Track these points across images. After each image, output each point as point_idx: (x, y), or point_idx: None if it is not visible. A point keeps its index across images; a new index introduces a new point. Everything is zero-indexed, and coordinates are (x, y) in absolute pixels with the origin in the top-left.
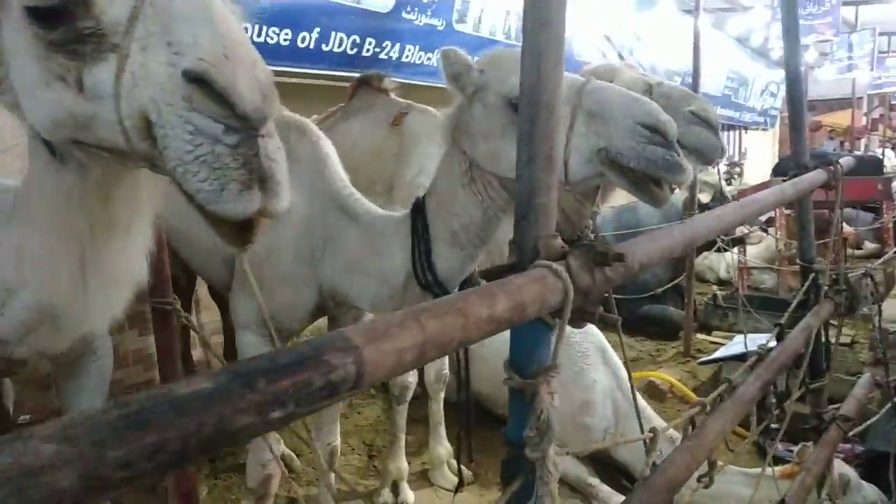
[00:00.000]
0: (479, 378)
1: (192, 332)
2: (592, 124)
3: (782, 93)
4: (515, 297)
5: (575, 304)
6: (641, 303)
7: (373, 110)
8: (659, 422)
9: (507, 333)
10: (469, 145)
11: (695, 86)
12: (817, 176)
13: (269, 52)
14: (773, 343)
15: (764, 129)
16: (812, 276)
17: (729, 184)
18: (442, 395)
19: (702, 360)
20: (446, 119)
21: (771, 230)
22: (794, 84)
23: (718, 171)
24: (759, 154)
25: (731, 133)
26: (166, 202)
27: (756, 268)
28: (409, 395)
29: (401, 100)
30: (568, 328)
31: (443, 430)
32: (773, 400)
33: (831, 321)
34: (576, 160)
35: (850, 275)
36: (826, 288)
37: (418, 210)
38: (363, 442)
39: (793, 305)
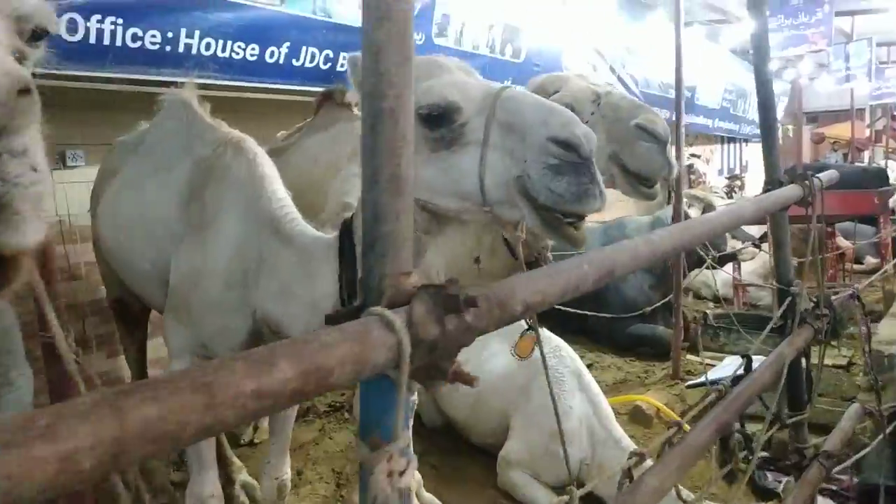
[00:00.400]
0: (451, 404)
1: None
2: (507, 139)
3: (783, 104)
4: (311, 359)
5: (419, 360)
6: (630, 322)
7: (335, 125)
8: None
9: (492, 349)
10: None
11: (677, 99)
12: (790, 192)
13: (236, 69)
14: (742, 372)
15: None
16: (789, 299)
17: (730, 197)
18: (410, 422)
19: (689, 383)
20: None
21: (765, 245)
22: (765, 97)
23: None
24: (760, 167)
25: (732, 146)
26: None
27: (751, 285)
28: None
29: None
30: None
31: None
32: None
33: (814, 347)
34: (491, 181)
35: (836, 296)
36: (804, 311)
37: (346, 231)
38: (332, 469)
39: (764, 332)
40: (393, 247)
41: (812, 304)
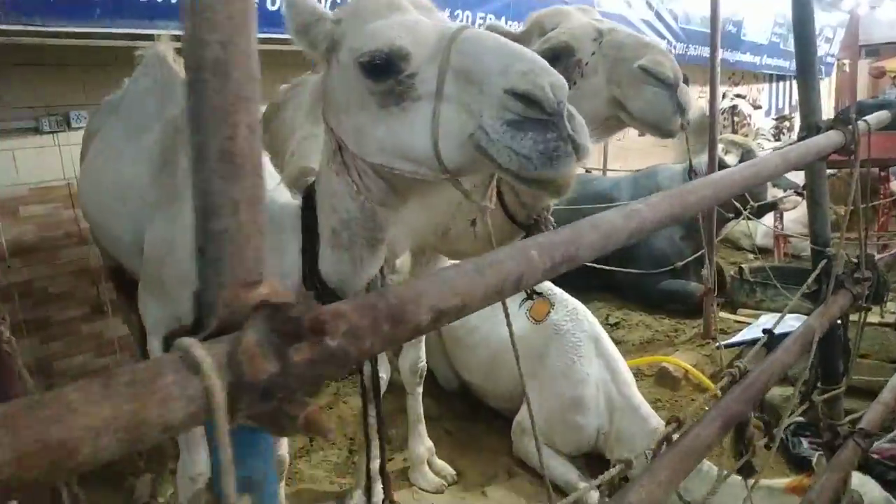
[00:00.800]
0: (467, 367)
1: None
2: (464, 92)
3: (839, 37)
4: (39, 434)
5: (249, 409)
6: (661, 277)
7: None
8: (657, 421)
9: (499, 316)
10: (334, 122)
11: (713, 32)
12: (827, 140)
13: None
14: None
15: (819, 79)
16: (824, 262)
17: (778, 139)
18: (419, 389)
19: (720, 343)
20: (312, 88)
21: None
22: (802, 22)
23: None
24: None
25: (781, 84)
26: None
27: (792, 236)
28: (381, 390)
29: None
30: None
31: (423, 428)
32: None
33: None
34: (447, 144)
35: (881, 255)
36: (842, 275)
37: (308, 199)
38: (345, 435)
39: (797, 295)
40: (231, 249)
41: (852, 266)
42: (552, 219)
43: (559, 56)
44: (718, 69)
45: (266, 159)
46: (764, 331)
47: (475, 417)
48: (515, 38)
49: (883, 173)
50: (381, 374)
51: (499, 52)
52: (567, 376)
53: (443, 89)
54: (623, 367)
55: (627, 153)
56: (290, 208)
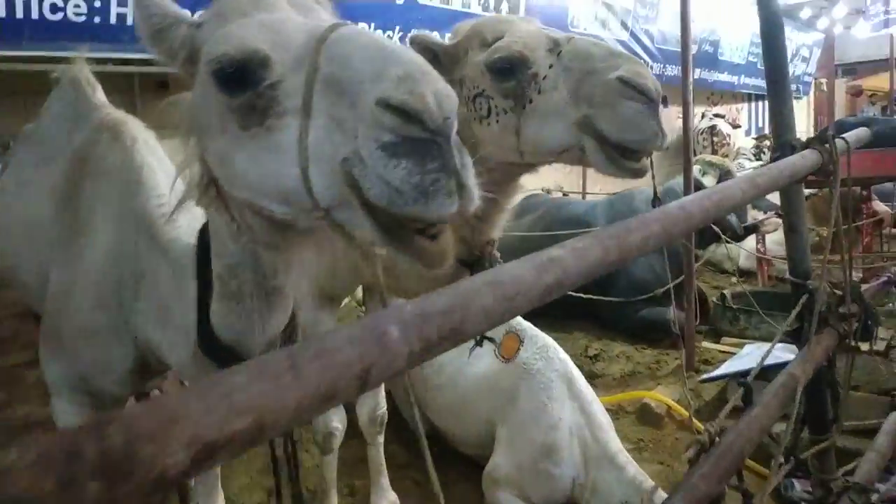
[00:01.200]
0: (434, 410)
1: None
2: (335, 105)
3: (815, 56)
4: None
5: None
6: (641, 305)
7: None
8: (635, 470)
9: (476, 349)
10: (202, 147)
11: (684, 50)
12: (802, 161)
13: None
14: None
15: (797, 98)
16: (805, 297)
17: (759, 158)
18: (380, 438)
19: (703, 377)
20: (183, 106)
21: None
22: (771, 38)
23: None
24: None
25: (760, 103)
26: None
27: (776, 258)
28: (336, 442)
29: None
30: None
31: (385, 481)
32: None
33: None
34: (317, 171)
35: (868, 284)
36: (825, 311)
37: (203, 237)
38: (306, 488)
39: (779, 334)
40: None
41: (837, 299)
42: (498, 254)
43: (512, 69)
44: (692, 87)
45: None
46: (740, 383)
47: (446, 465)
48: (446, 50)
49: (865, 192)
50: (335, 425)
51: (372, 52)
52: (538, 421)
53: (311, 103)
54: (598, 408)
55: (605, 177)
56: (189, 249)
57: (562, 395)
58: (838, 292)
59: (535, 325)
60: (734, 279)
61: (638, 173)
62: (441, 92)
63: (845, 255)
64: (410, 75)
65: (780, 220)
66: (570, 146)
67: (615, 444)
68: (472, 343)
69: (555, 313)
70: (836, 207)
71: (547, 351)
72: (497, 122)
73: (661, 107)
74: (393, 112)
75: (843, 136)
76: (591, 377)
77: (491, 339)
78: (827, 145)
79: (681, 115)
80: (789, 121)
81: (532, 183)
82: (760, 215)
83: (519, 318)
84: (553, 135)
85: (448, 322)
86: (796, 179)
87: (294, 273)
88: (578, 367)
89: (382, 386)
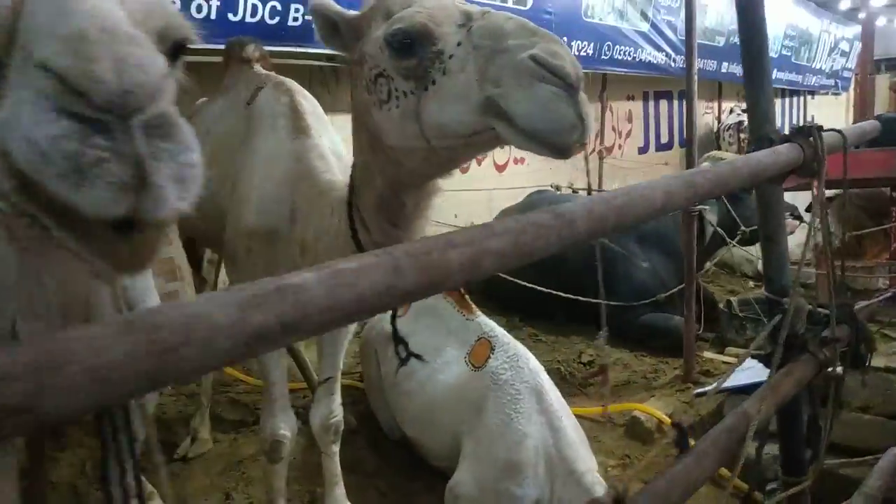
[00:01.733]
0: (404, 417)
1: None
2: (21, 71)
3: (857, 51)
4: None
5: None
6: (642, 310)
7: (236, 87)
8: (602, 492)
9: (447, 356)
10: None
11: (688, 41)
12: (773, 157)
13: None
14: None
15: (836, 94)
16: (777, 317)
17: None
18: (335, 447)
19: (698, 391)
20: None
21: (808, 215)
22: (749, 15)
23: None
24: (831, 123)
25: (795, 99)
26: None
27: (794, 263)
28: (285, 450)
29: (264, 72)
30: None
31: (340, 491)
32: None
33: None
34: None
35: (865, 303)
36: (803, 334)
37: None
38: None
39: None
40: None
41: (821, 318)
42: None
43: (413, 44)
44: (696, 79)
45: None
46: (674, 424)
47: (414, 475)
48: (349, 22)
49: (895, 193)
50: (283, 432)
51: (58, 5)
52: (503, 436)
53: (16, 67)
54: (569, 423)
55: (627, 173)
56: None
57: (529, 409)
58: (823, 310)
59: (536, 328)
60: (751, 283)
61: (563, 151)
62: (127, 59)
63: (836, 266)
64: (82, 33)
65: (795, 223)
66: (479, 129)
67: (584, 463)
68: (465, 342)
69: (557, 317)
70: (816, 213)
71: (517, 360)
72: (397, 107)
73: (580, 93)
74: (62, 83)
75: (843, 129)
76: (581, 385)
77: (418, 356)
78: (811, 139)
79: (707, 111)
80: (767, 111)
81: (546, 179)
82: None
83: (493, 325)
84: (456, 117)
85: None
86: (769, 177)
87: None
88: (570, 374)
89: (338, 392)
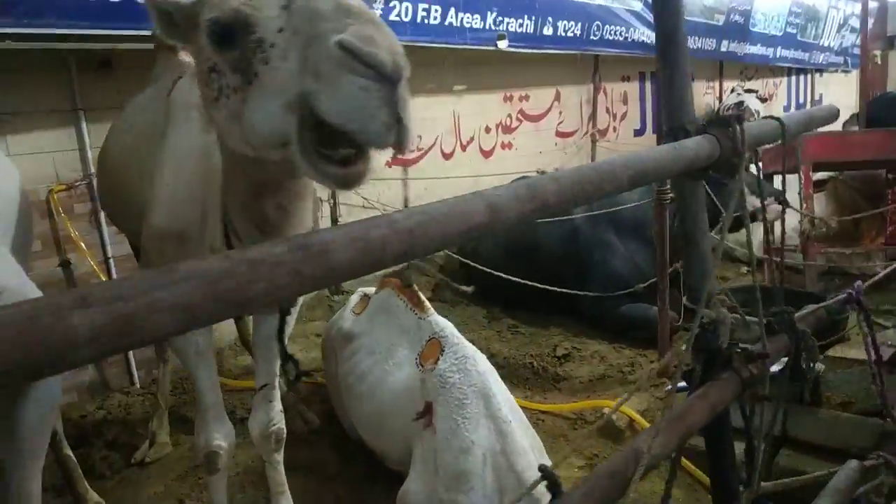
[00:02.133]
0: (358, 420)
1: None
2: None
3: (868, 26)
4: None
5: None
6: (621, 301)
7: (162, 77)
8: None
9: (398, 357)
10: None
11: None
12: (681, 151)
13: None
14: None
15: (845, 71)
16: (695, 328)
17: None
18: (278, 456)
19: (669, 387)
20: None
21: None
22: (665, 5)
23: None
24: (839, 101)
25: (802, 77)
26: None
27: (787, 250)
28: (222, 462)
29: (188, 60)
30: None
31: (286, 501)
32: None
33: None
34: None
35: (813, 307)
36: (727, 348)
37: None
38: None
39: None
40: None
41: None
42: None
43: (233, 33)
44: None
45: None
46: (540, 468)
47: (373, 479)
48: (184, 11)
49: (892, 176)
50: (219, 443)
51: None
52: (450, 444)
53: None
54: (518, 429)
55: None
56: None
57: (477, 414)
58: (752, 318)
59: (516, 318)
60: (745, 269)
61: (345, 181)
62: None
63: (771, 265)
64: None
65: (779, 207)
66: (288, 137)
67: (533, 471)
68: (416, 342)
69: (537, 307)
70: (734, 206)
71: (465, 362)
72: (226, 106)
73: (400, 87)
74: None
75: (780, 117)
76: (555, 380)
77: (307, 373)
78: (729, 129)
79: (708, 90)
80: (682, 98)
81: (534, 164)
82: (759, 203)
83: (445, 324)
84: (265, 119)
85: None
86: (680, 171)
87: None
88: (543, 368)
89: (277, 399)
